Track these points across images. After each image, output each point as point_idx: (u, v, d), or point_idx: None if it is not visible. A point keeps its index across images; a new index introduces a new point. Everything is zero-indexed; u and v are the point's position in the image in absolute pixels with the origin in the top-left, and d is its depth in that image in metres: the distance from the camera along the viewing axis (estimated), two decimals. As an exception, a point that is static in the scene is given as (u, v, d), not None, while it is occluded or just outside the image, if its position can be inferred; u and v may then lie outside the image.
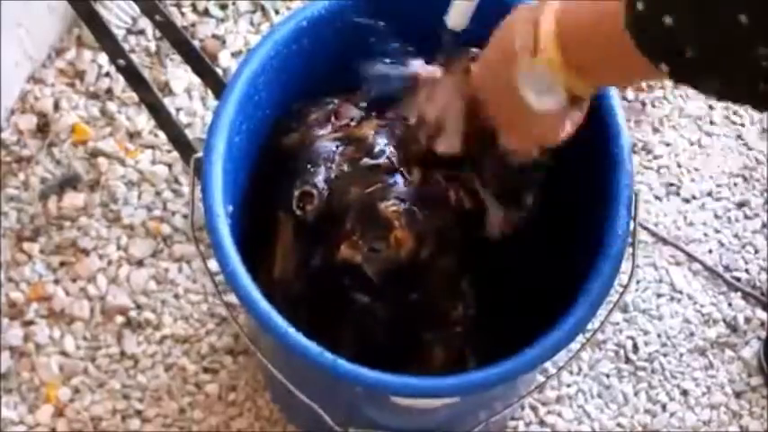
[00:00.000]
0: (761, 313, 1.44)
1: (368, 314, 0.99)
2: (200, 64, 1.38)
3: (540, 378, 1.32)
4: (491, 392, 1.03)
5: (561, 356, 1.25)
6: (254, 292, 0.92)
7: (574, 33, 0.75)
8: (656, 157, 1.53)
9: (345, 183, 1.00)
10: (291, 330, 0.91)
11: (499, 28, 0.83)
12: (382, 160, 1.01)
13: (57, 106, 1.51)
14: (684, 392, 1.40)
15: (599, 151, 1.01)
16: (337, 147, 1.02)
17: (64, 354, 1.38)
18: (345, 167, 1.01)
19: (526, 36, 0.77)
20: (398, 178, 1.00)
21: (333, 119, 1.06)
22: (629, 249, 0.99)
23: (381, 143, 1.02)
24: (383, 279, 0.98)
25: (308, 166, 1.01)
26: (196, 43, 1.46)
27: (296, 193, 1.00)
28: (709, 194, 1.52)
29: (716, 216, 1.50)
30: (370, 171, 1.00)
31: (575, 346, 1.26)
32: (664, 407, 1.40)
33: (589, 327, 0.97)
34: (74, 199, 1.45)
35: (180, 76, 1.53)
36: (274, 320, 0.91)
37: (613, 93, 1.02)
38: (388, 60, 1.01)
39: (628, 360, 1.41)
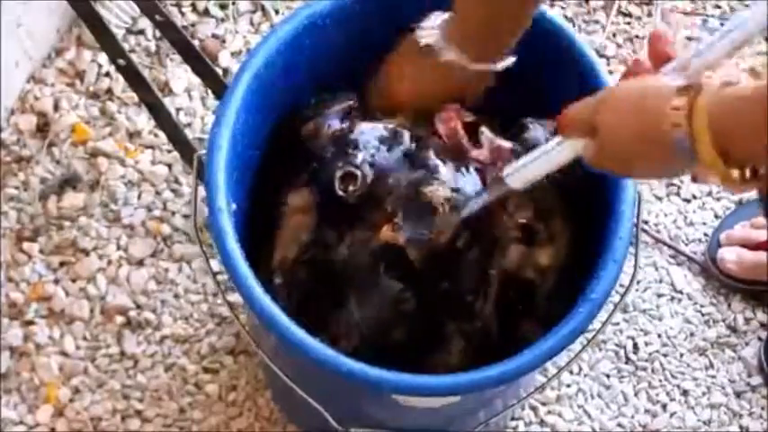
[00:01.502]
0: (761, 313, 1.44)
1: (398, 302, 0.99)
2: (200, 64, 1.38)
3: (541, 378, 1.32)
4: (492, 392, 1.03)
5: (562, 357, 1.25)
6: (258, 290, 0.92)
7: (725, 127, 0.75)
8: (656, 158, 1.53)
9: (386, 167, 1.01)
10: (294, 327, 0.91)
11: (630, 93, 0.83)
12: (421, 148, 1.02)
13: (57, 106, 1.51)
14: (684, 392, 1.40)
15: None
16: (377, 134, 1.03)
17: (64, 354, 1.38)
18: (386, 153, 1.02)
19: (680, 131, 0.77)
20: (439, 165, 1.00)
21: (353, 113, 1.07)
22: (631, 249, 1.00)
23: (416, 134, 1.03)
24: (424, 264, 0.98)
25: (349, 149, 1.02)
26: (196, 43, 1.46)
27: (339, 174, 1.01)
28: (709, 194, 1.52)
29: (716, 216, 1.50)
30: (410, 157, 1.01)
31: (576, 346, 1.26)
32: (664, 407, 1.40)
33: (591, 327, 0.97)
34: (74, 199, 1.45)
35: (180, 76, 1.53)
36: (277, 318, 0.91)
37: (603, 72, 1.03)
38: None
39: (628, 360, 1.41)
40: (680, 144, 0.77)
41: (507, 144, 1.03)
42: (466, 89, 1.04)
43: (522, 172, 0.93)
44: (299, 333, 0.91)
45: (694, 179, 0.83)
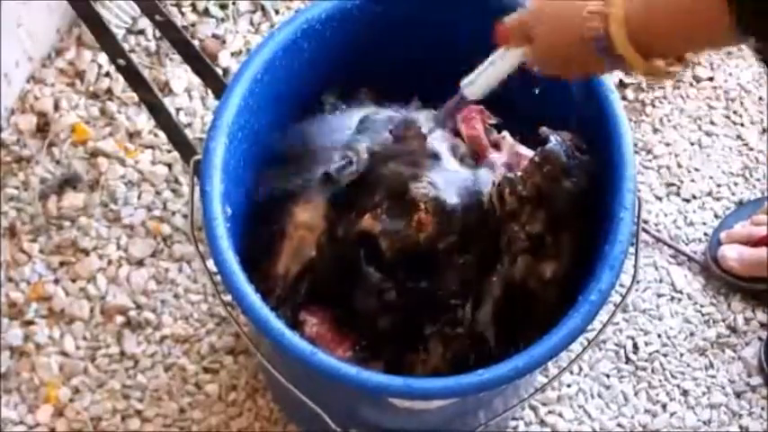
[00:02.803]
0: (761, 314, 1.44)
1: (376, 293, 1.00)
2: (200, 64, 1.38)
3: (542, 379, 1.32)
4: (489, 394, 1.03)
5: (563, 358, 1.25)
6: (252, 296, 0.92)
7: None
8: (656, 157, 1.53)
9: (386, 156, 1.01)
10: (288, 333, 0.91)
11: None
12: (428, 144, 1.02)
13: (57, 106, 1.51)
14: (684, 392, 1.40)
15: (601, 155, 1.01)
16: (389, 121, 1.04)
17: (64, 354, 1.38)
18: (390, 142, 1.02)
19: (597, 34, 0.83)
20: (440, 165, 1.01)
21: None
22: (631, 250, 0.99)
23: (434, 129, 1.03)
24: (397, 258, 0.99)
25: (356, 135, 1.03)
26: (196, 43, 1.46)
27: (336, 156, 1.01)
28: (709, 194, 1.52)
29: (716, 216, 1.50)
30: (413, 152, 1.01)
31: (577, 347, 1.26)
32: (664, 407, 1.40)
33: (591, 327, 0.96)
34: (73, 199, 1.45)
35: (180, 76, 1.53)
36: (272, 324, 0.91)
37: (615, 97, 1.02)
38: None
39: (628, 360, 1.41)
40: (599, 45, 0.82)
41: (527, 152, 1.03)
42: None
43: (477, 82, 0.98)
44: (294, 339, 0.91)
45: (626, 72, 0.89)
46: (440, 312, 1.00)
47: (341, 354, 0.99)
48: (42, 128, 1.50)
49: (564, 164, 1.00)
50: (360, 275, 1.00)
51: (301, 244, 1.03)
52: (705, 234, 1.49)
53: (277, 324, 0.91)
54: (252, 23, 1.59)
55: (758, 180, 1.52)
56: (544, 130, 1.02)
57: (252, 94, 1.01)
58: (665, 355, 1.42)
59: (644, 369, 1.41)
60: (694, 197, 1.51)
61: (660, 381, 1.41)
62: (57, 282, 1.41)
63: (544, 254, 1.01)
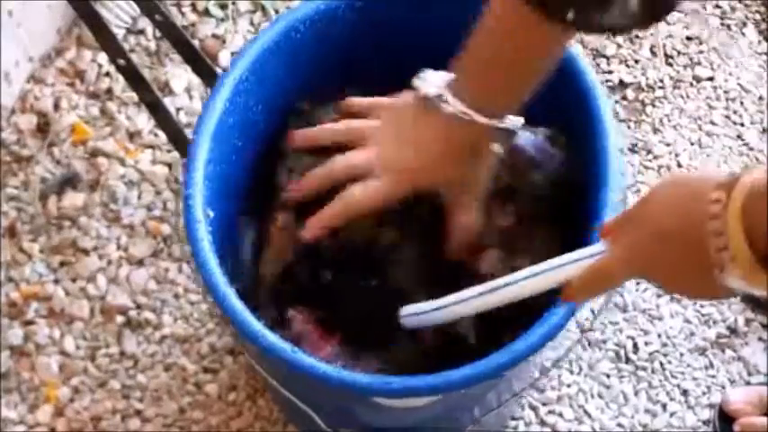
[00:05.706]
0: (761, 315, 1.44)
1: (338, 294, 1.00)
2: (200, 64, 1.38)
3: (536, 373, 1.32)
4: (479, 389, 1.03)
5: (560, 354, 1.25)
6: (232, 298, 0.92)
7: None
8: (656, 157, 1.53)
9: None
10: (268, 333, 0.91)
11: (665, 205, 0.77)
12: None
13: (57, 106, 1.51)
14: (684, 392, 1.40)
15: (585, 150, 1.01)
16: None
17: (64, 353, 1.38)
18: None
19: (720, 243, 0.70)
20: None
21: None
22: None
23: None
24: (343, 259, 0.99)
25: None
26: (196, 43, 1.46)
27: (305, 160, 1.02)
28: (709, 194, 1.51)
29: (716, 216, 1.50)
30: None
31: (568, 343, 1.26)
32: (664, 407, 1.40)
33: (593, 328, 0.96)
34: (74, 199, 1.46)
35: (180, 75, 1.53)
36: (252, 325, 0.91)
37: (599, 93, 1.01)
38: None
39: (628, 360, 1.41)
40: (715, 236, 0.70)
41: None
42: (471, 156, 0.95)
43: (421, 318, 0.93)
44: (274, 339, 0.91)
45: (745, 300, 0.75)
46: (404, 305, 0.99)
47: (329, 350, 0.99)
48: (42, 128, 1.50)
49: (531, 157, 0.99)
50: (322, 278, 1.00)
51: (282, 247, 1.03)
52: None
53: (257, 325, 0.91)
54: (252, 23, 1.59)
55: (758, 180, 1.52)
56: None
57: (237, 97, 1.00)
58: (665, 355, 1.42)
59: (644, 369, 1.41)
60: (694, 197, 1.51)
61: (660, 381, 1.41)
62: (57, 282, 1.42)
63: (515, 248, 1.00)
